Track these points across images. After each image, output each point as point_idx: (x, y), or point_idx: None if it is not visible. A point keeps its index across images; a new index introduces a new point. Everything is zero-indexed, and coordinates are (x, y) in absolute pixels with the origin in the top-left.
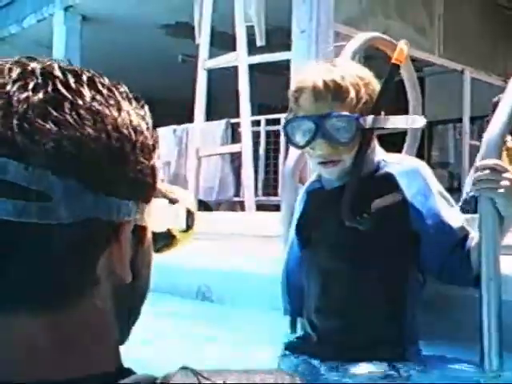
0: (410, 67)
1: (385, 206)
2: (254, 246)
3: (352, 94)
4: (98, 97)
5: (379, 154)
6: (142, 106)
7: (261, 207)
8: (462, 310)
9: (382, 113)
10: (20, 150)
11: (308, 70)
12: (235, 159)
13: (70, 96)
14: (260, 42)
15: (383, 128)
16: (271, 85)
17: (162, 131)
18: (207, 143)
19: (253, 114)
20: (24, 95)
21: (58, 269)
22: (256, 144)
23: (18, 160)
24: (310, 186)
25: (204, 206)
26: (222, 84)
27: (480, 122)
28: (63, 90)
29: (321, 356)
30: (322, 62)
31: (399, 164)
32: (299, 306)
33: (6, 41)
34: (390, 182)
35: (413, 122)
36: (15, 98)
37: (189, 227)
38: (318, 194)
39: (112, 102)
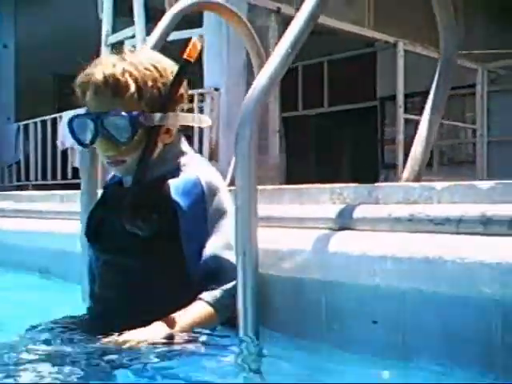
0: (254, 39)
1: (160, 215)
2: None
3: (132, 89)
4: None
5: (183, 155)
6: None
7: None
8: None
9: (185, 107)
10: None
11: (96, 62)
12: None
13: None
14: None
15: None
16: None
17: None
18: None
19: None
20: None
21: None
22: None
23: None
24: (110, 180)
25: None
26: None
27: (420, 96)
28: None
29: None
30: (114, 54)
31: (184, 174)
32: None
33: None
34: (166, 193)
35: (200, 120)
36: None
37: None
38: (114, 189)
39: None
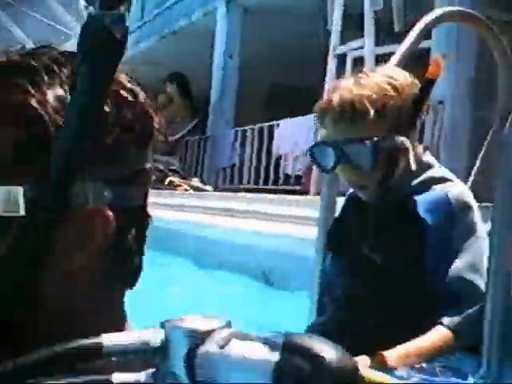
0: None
1: (404, 238)
2: None
3: (371, 114)
4: None
5: (429, 168)
6: None
7: None
8: None
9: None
10: None
11: (333, 87)
12: None
13: None
14: (398, 27)
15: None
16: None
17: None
18: None
19: None
20: None
21: None
22: None
23: None
24: (353, 191)
25: None
26: None
27: None
28: None
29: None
30: (351, 77)
31: (433, 190)
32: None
33: (177, 34)
34: (413, 212)
35: None
36: None
37: None
38: (357, 201)
39: None
